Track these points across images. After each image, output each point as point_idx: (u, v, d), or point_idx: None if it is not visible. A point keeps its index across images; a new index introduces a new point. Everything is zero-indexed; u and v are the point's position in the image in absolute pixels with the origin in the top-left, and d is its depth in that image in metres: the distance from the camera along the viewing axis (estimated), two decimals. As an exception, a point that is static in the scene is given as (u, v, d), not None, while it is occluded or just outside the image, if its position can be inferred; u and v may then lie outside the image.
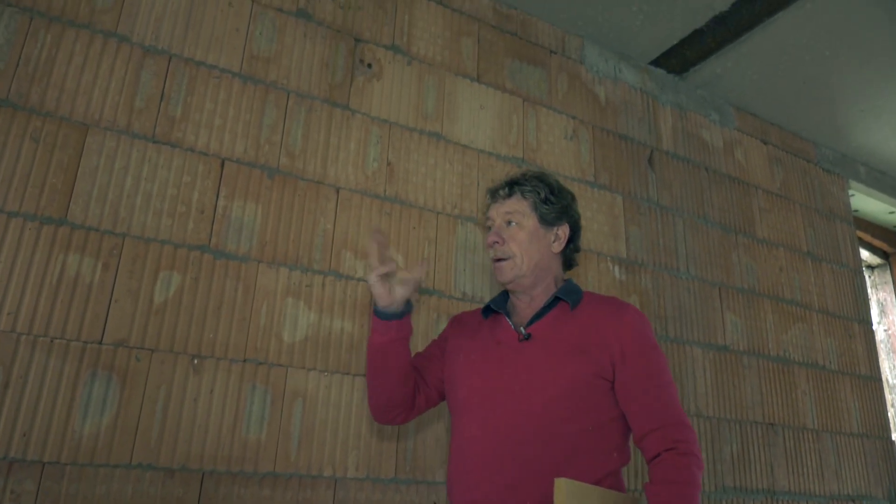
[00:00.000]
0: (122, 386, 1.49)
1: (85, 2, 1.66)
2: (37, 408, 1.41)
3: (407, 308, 1.38)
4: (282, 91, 1.88)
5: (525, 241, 1.40)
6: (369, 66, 2.05)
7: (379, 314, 1.36)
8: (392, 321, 1.36)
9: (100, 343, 1.49)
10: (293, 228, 1.79)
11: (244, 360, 1.64)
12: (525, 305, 1.44)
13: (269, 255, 1.74)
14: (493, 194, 1.49)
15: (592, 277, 2.25)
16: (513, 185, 1.46)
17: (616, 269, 2.33)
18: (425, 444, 1.81)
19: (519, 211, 1.42)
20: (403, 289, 1.33)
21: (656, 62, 2.68)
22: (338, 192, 1.89)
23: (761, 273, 2.73)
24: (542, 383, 1.29)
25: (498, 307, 1.45)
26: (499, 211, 1.45)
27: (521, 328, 1.39)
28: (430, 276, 1.96)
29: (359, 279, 1.85)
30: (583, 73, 2.52)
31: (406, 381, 1.42)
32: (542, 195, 1.43)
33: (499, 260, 1.42)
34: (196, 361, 1.58)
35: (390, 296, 1.33)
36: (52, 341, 1.45)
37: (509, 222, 1.43)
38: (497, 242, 1.42)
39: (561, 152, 2.35)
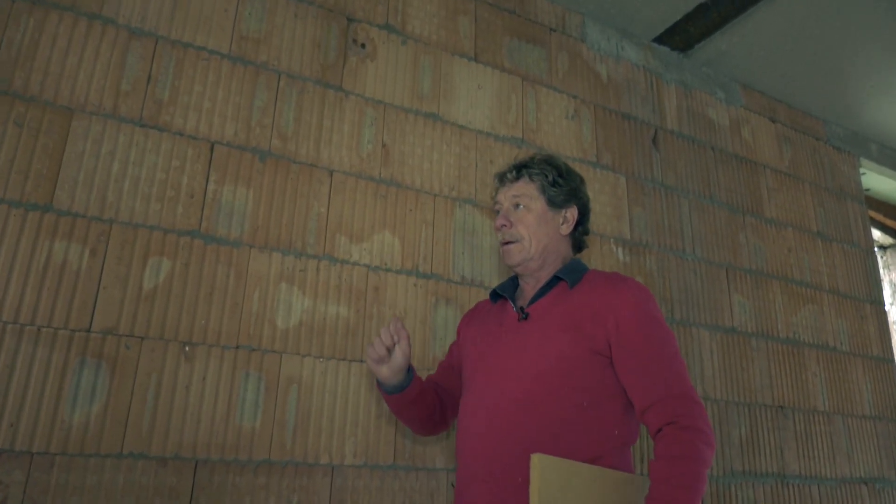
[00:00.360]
0: (112, 374, 1.47)
1: (67, -17, 1.62)
2: (24, 398, 1.38)
3: (409, 374, 1.39)
4: (272, 72, 1.83)
5: (533, 224, 1.39)
6: (363, 46, 2.00)
7: (385, 389, 1.39)
8: (399, 393, 1.38)
9: (88, 331, 1.47)
10: (286, 212, 1.75)
11: (237, 347, 1.61)
12: (531, 288, 1.42)
13: (262, 239, 1.70)
14: (501, 178, 1.47)
15: (595, 260, 2.20)
16: (520, 169, 1.44)
17: (620, 251, 2.28)
18: (424, 430, 1.78)
19: (527, 194, 1.41)
20: (402, 356, 1.33)
21: (659, 39, 2.61)
22: (331, 174, 1.84)
23: (770, 254, 2.67)
24: (532, 361, 1.27)
25: (504, 291, 1.44)
26: (506, 194, 1.44)
27: (522, 308, 1.37)
28: (427, 259, 1.92)
29: (353, 263, 1.81)
30: (584, 51, 2.45)
31: (433, 412, 1.45)
32: (550, 178, 1.41)
33: (507, 243, 1.40)
34: (187, 349, 1.55)
35: (391, 371, 1.33)
36: (39, 330, 1.42)
37: (517, 205, 1.41)
38: (505, 226, 1.40)
39: (562, 132, 2.29)
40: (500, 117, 2.18)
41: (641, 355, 1.23)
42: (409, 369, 1.38)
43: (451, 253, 1.97)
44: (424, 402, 1.42)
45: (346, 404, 1.70)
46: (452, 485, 1.73)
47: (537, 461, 1.08)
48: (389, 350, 1.31)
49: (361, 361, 1.75)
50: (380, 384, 1.39)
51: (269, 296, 1.68)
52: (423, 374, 1.81)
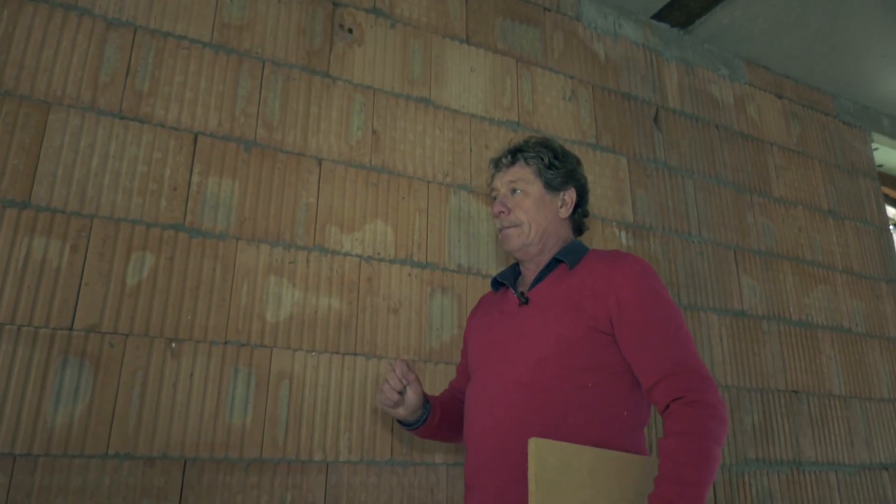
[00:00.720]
0: (96, 373, 1.43)
1: (40, -27, 1.58)
2: (5, 398, 1.34)
3: (427, 405, 1.37)
4: (256, 60, 1.78)
5: (531, 208, 1.35)
6: (350, 31, 1.94)
7: (406, 426, 1.38)
8: (422, 426, 1.37)
9: (70, 329, 1.43)
10: (273, 203, 1.71)
11: (225, 343, 1.56)
12: (530, 273, 1.38)
13: (249, 231, 1.66)
14: (496, 163, 1.43)
15: (598, 244, 2.13)
16: (515, 153, 1.40)
17: (622, 234, 2.21)
18: (422, 423, 1.72)
19: (523, 178, 1.37)
20: (415, 397, 1.32)
21: (658, 16, 2.53)
22: (320, 163, 1.79)
23: (779, 234, 2.59)
24: (532, 345, 1.23)
25: (505, 279, 1.40)
26: (502, 180, 1.39)
27: (522, 294, 1.33)
28: (422, 248, 1.86)
29: (345, 254, 1.76)
30: (580, 30, 2.38)
31: (460, 424, 1.41)
32: (546, 160, 1.37)
33: (505, 228, 1.36)
34: (174, 345, 1.51)
35: (407, 412, 1.32)
36: (19, 329, 1.38)
37: (514, 190, 1.37)
38: (503, 212, 1.36)
39: (559, 114, 2.22)
40: (495, 100, 2.12)
41: (644, 331, 1.18)
42: (426, 400, 1.37)
43: (447, 241, 1.91)
44: (451, 420, 1.40)
45: (339, 399, 1.65)
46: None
47: (534, 446, 1.05)
48: (401, 393, 1.30)
49: (355, 355, 1.70)
50: (400, 422, 1.39)
51: (258, 289, 1.63)
52: (422, 369, 1.76)
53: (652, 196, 2.32)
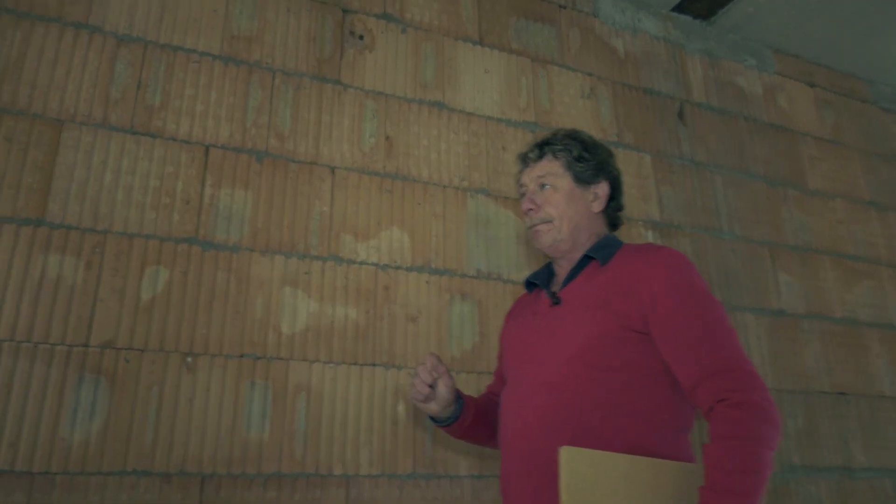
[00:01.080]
0: (112, 389, 1.41)
1: (51, -6, 1.60)
2: (23, 416, 1.34)
3: (460, 401, 1.32)
4: (266, 70, 1.77)
5: (562, 203, 1.28)
6: (360, 37, 1.92)
7: (439, 423, 1.34)
8: (455, 423, 1.32)
9: (86, 346, 1.42)
10: (287, 213, 1.68)
11: (241, 356, 1.54)
12: (563, 271, 1.31)
13: (263, 243, 1.64)
14: (524, 158, 1.37)
15: (622, 245, 2.06)
16: (543, 146, 1.34)
17: (649, 233, 2.13)
18: (444, 436, 1.67)
19: (552, 172, 1.30)
20: (446, 390, 1.27)
21: (679, 8, 2.45)
22: (333, 171, 1.77)
23: (817, 228, 2.46)
24: (561, 345, 1.16)
25: (537, 279, 1.34)
26: (530, 175, 1.33)
27: (554, 293, 1.27)
28: (440, 254, 1.82)
29: (361, 262, 1.72)
30: (597, 26, 2.32)
31: (495, 427, 1.35)
32: (575, 153, 1.30)
33: (535, 226, 1.30)
34: (189, 359, 1.49)
35: (440, 406, 1.28)
36: (35, 346, 1.38)
37: (543, 185, 1.30)
38: (532, 209, 1.30)
39: (578, 113, 2.16)
40: (510, 101, 2.07)
41: (682, 329, 1.09)
42: (458, 396, 1.31)
43: (465, 246, 1.86)
44: (485, 422, 1.35)
45: (359, 411, 1.61)
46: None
47: (565, 454, 0.98)
48: (431, 387, 1.25)
49: (374, 365, 1.66)
50: (433, 419, 1.33)
51: (273, 301, 1.61)
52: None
53: (679, 193, 2.24)
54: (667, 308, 1.11)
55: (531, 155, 1.34)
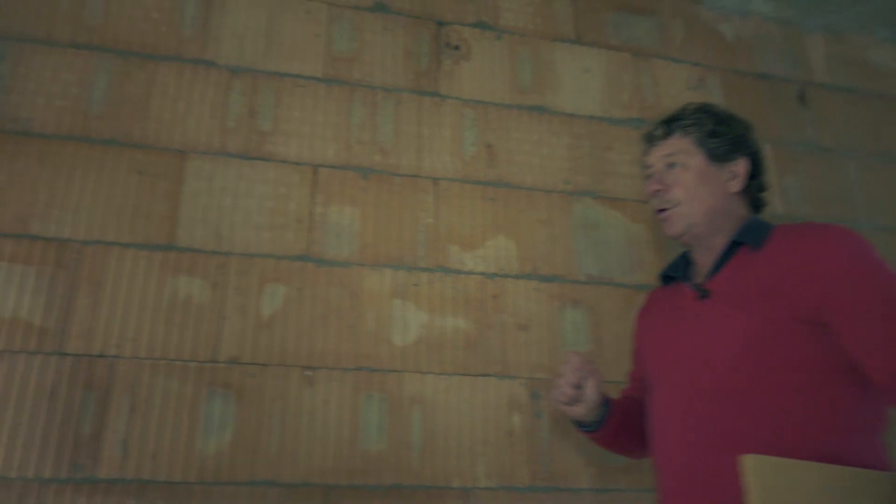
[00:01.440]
0: (240, 403, 1.48)
1: (172, 34, 1.72)
2: (162, 429, 1.43)
3: (606, 405, 1.25)
4: (367, 88, 1.81)
5: (693, 184, 1.16)
6: (456, 47, 1.93)
7: (585, 428, 1.28)
8: (602, 428, 1.25)
9: (214, 362, 1.50)
10: (393, 227, 1.70)
11: (356, 369, 1.57)
12: (705, 260, 1.20)
13: (371, 257, 1.67)
14: (649, 137, 1.26)
15: (744, 242, 1.91)
16: (671, 123, 1.22)
17: (773, 228, 1.97)
18: (563, 446, 1.62)
19: (681, 150, 1.19)
20: (595, 392, 1.19)
21: (793, -17, 2.27)
22: (435, 183, 1.77)
23: (974, 212, 2.18)
24: (723, 342, 1.05)
25: (674, 271, 1.24)
26: (657, 155, 1.22)
27: (699, 285, 1.16)
28: (547, 261, 1.77)
29: (468, 272, 1.71)
30: (702, 12, 2.19)
31: (640, 435, 1.31)
32: (708, 128, 1.19)
33: (663, 210, 1.20)
34: (308, 373, 1.54)
35: (587, 409, 1.21)
36: (170, 363, 1.48)
37: (671, 164, 1.20)
38: (659, 190, 1.20)
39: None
40: (613, 99, 1.99)
41: (870, 317, 0.95)
42: (605, 400, 1.25)
43: (574, 251, 1.80)
44: (631, 428, 1.28)
45: (472, 422, 1.59)
46: None
47: (752, 463, 0.88)
48: (577, 387, 1.19)
49: (486, 376, 1.63)
50: (578, 424, 1.28)
51: (384, 314, 1.63)
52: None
53: (804, 182, 2.06)
54: (850, 295, 0.97)
55: (657, 133, 1.23)
